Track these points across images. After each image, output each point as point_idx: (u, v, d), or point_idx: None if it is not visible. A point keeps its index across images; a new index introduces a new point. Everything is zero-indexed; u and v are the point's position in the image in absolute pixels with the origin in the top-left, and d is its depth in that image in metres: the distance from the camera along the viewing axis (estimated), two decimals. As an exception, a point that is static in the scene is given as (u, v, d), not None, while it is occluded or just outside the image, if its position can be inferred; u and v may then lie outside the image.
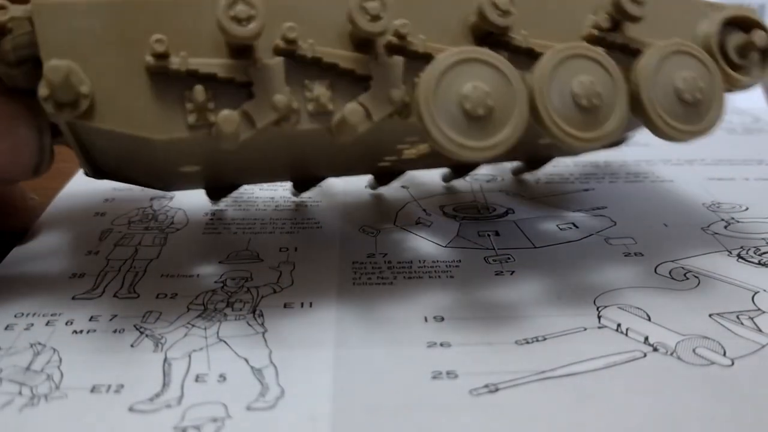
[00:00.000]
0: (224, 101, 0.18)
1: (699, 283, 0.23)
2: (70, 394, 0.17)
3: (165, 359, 0.19)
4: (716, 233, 0.26)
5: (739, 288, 0.22)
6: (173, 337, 0.20)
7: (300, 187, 0.27)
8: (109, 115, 0.17)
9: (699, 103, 0.20)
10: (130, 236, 0.26)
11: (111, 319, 0.21)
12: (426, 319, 0.21)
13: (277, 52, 0.18)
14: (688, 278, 0.23)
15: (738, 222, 0.27)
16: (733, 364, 0.19)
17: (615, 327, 0.20)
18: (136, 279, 0.23)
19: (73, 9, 0.17)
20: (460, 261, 0.24)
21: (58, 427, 0.16)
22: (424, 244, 0.25)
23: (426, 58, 0.19)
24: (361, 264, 0.24)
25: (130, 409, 0.17)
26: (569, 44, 0.19)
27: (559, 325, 0.20)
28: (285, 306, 0.21)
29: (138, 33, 0.17)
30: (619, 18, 0.20)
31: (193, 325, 0.20)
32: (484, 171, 0.33)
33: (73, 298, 0.22)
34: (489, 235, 0.26)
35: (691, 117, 0.20)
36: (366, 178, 0.32)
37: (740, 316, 0.21)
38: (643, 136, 0.38)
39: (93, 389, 0.18)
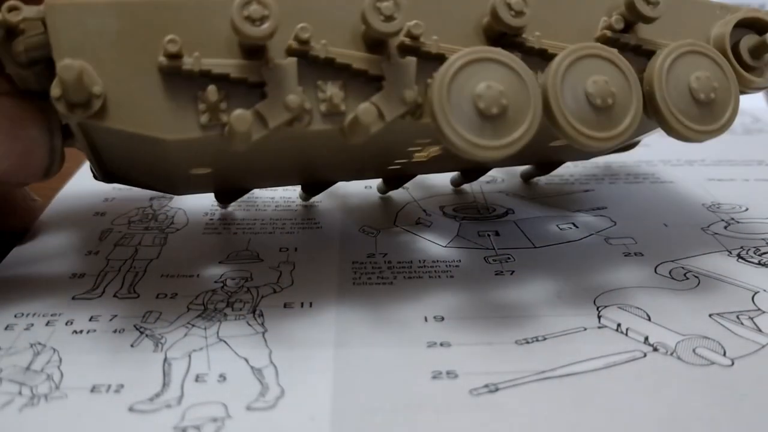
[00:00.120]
0: (237, 102, 0.17)
1: (699, 283, 0.23)
2: (70, 394, 0.17)
3: (165, 359, 0.19)
4: (716, 233, 0.26)
5: (739, 288, 0.22)
6: (173, 337, 0.20)
7: (309, 190, 0.27)
8: (121, 115, 0.17)
9: (713, 103, 0.20)
10: (130, 236, 0.26)
11: (111, 319, 0.21)
12: (426, 319, 0.21)
13: (290, 52, 0.18)
14: (688, 278, 0.23)
15: (738, 222, 0.27)
16: (733, 364, 0.19)
17: (615, 327, 0.20)
18: (136, 279, 0.23)
19: (86, 9, 0.17)
20: (460, 261, 0.24)
21: (58, 427, 0.16)
22: (424, 244, 0.25)
23: (439, 58, 0.19)
24: (361, 264, 0.24)
25: (130, 409, 0.17)
26: (583, 44, 0.19)
27: (559, 325, 0.20)
28: (285, 306, 0.21)
29: (151, 33, 0.17)
30: (633, 19, 0.20)
31: (193, 325, 0.20)
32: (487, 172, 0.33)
33: (73, 298, 0.22)
34: (489, 235, 0.26)
35: (705, 117, 0.20)
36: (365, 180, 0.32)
37: (740, 316, 0.21)
38: (643, 136, 0.38)
39: (93, 389, 0.18)
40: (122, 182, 0.23)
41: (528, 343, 0.19)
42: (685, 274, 0.23)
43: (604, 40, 0.20)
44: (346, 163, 0.23)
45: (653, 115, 0.20)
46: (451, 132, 0.18)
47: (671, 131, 0.20)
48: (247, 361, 0.19)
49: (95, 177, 0.23)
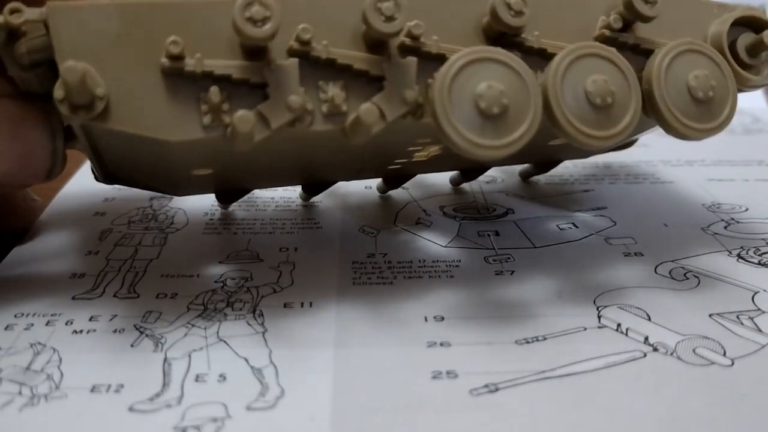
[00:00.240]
0: (239, 102, 0.17)
1: (699, 283, 0.23)
2: (70, 394, 0.17)
3: (165, 359, 0.19)
4: (716, 233, 0.26)
5: (739, 288, 0.22)
6: (173, 337, 0.20)
7: (309, 190, 0.27)
8: (123, 117, 0.17)
9: (711, 101, 0.20)
10: (130, 236, 0.26)
11: (111, 319, 0.21)
12: (426, 319, 0.21)
13: (291, 53, 0.18)
14: (688, 278, 0.23)
15: (738, 222, 0.27)
16: (733, 364, 0.19)
17: (615, 327, 0.20)
18: (136, 279, 0.23)
19: (88, 12, 0.17)
20: (460, 261, 0.24)
21: (58, 427, 0.16)
22: (424, 244, 0.25)
23: (439, 58, 0.19)
24: (361, 264, 0.24)
25: (130, 409, 0.17)
26: (583, 43, 0.19)
27: (559, 325, 0.20)
28: (285, 306, 0.21)
29: (152, 35, 0.17)
30: (631, 18, 0.20)
31: (193, 325, 0.20)
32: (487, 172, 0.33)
33: (73, 298, 0.22)
34: (489, 235, 0.26)
35: (703, 115, 0.20)
36: (366, 180, 0.32)
37: (740, 316, 0.21)
38: (643, 136, 0.38)
39: (93, 389, 0.18)
40: (123, 183, 0.23)
41: (528, 343, 0.19)
42: (685, 274, 0.23)
43: (603, 40, 0.20)
44: (347, 163, 0.23)
45: (652, 113, 0.20)
46: (452, 131, 0.18)
47: (670, 129, 0.20)
48: (247, 361, 0.19)
49: (96, 178, 0.23)
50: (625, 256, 0.24)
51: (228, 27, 0.17)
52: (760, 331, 0.20)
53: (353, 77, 0.18)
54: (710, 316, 0.21)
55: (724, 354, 0.19)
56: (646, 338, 0.20)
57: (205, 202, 0.29)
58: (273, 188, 0.30)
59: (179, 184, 0.23)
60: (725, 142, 0.38)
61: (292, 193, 0.30)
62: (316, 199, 0.29)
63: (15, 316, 0.21)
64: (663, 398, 0.17)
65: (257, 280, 0.23)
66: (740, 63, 0.22)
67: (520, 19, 0.19)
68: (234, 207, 0.29)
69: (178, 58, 0.17)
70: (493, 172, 0.33)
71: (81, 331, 0.20)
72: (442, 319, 0.21)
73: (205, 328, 0.20)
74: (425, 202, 0.29)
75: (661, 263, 0.24)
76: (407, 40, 0.19)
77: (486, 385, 0.18)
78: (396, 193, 0.30)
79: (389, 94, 0.18)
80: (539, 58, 0.20)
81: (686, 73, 0.20)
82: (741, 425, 0.16)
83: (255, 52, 0.18)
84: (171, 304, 0.21)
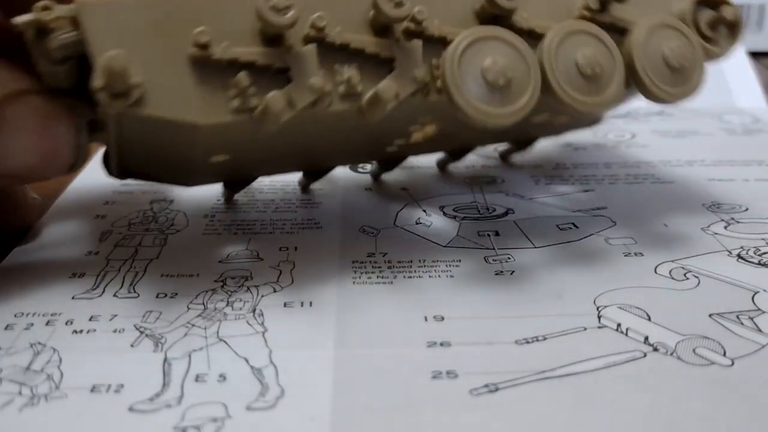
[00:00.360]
0: (262, 87, 0.19)
1: (699, 283, 0.23)
2: (70, 394, 0.17)
3: (165, 359, 0.19)
4: (716, 233, 0.26)
5: (739, 288, 0.22)
6: (173, 337, 0.20)
7: (311, 176, 0.28)
8: (157, 103, 0.18)
9: (684, 69, 0.23)
10: (131, 237, 0.26)
11: (111, 319, 0.21)
12: (426, 319, 0.21)
13: (308, 39, 0.19)
14: (688, 278, 0.23)
15: (738, 222, 0.27)
16: (733, 364, 0.19)
17: (615, 327, 0.20)
18: (136, 279, 0.23)
19: (118, 6, 0.18)
20: (460, 261, 0.24)
21: (58, 427, 0.16)
22: (424, 244, 0.25)
23: (441, 41, 0.21)
24: (361, 263, 0.24)
25: (130, 409, 0.17)
26: (571, 21, 0.22)
27: (559, 325, 0.20)
28: (285, 305, 0.21)
29: (179, 25, 0.19)
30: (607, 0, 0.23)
31: (193, 325, 0.20)
32: (483, 173, 0.33)
33: (73, 298, 0.22)
34: (489, 235, 0.26)
35: (678, 81, 0.23)
36: (365, 180, 0.32)
37: (740, 316, 0.21)
38: (643, 137, 0.38)
39: (93, 389, 0.18)
40: (136, 177, 0.24)
41: (528, 343, 0.19)
42: (685, 274, 0.23)
43: (582, 20, 0.23)
44: (350, 144, 0.25)
45: (633, 80, 0.22)
46: (464, 102, 0.20)
47: (649, 95, 0.22)
48: (247, 361, 0.19)
49: (108, 172, 0.24)
50: (625, 256, 0.24)
51: (249, 17, 0.19)
52: (760, 331, 0.20)
53: (365, 60, 0.20)
54: (710, 316, 0.21)
55: (724, 354, 0.19)
56: (646, 338, 0.20)
57: (206, 204, 0.29)
58: (273, 191, 0.30)
59: (193, 174, 0.24)
60: (725, 142, 0.38)
61: (292, 194, 0.30)
62: (316, 199, 0.29)
63: (15, 316, 0.21)
64: (663, 398, 0.17)
65: (257, 279, 0.23)
66: (703, 37, 0.24)
67: (513, 2, 0.21)
68: (234, 209, 0.29)
69: (205, 46, 0.18)
70: (493, 172, 0.33)
71: (81, 331, 0.20)
72: (442, 319, 0.21)
73: (205, 328, 0.20)
74: (425, 202, 0.29)
75: (661, 263, 0.24)
76: (411, 25, 0.20)
77: (486, 385, 0.18)
78: (396, 193, 0.30)
79: (400, 73, 0.20)
80: (528, 37, 0.22)
81: (662, 45, 0.22)
82: (741, 425, 0.16)
83: (274, 40, 0.19)
84: (171, 304, 0.21)
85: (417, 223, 0.27)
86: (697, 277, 0.23)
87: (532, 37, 0.22)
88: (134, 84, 0.18)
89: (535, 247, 0.25)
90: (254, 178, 0.27)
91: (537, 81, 0.20)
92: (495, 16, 0.21)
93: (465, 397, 0.17)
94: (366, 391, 0.18)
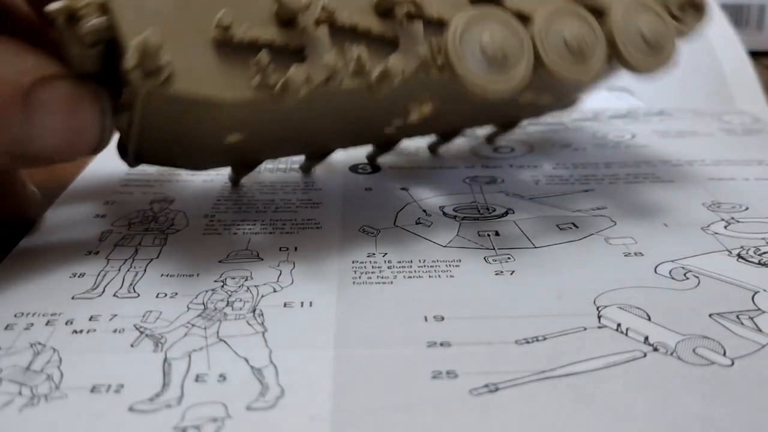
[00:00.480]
0: (280, 65, 0.20)
1: (699, 283, 0.23)
2: (70, 394, 0.17)
3: (165, 359, 0.19)
4: (716, 233, 0.26)
5: (739, 288, 0.22)
6: (173, 337, 0.20)
7: (313, 158, 0.30)
8: (185, 81, 0.19)
9: (659, 44, 0.25)
10: (130, 237, 0.26)
11: (111, 319, 0.21)
12: (426, 319, 0.21)
13: (319, 22, 0.21)
14: (688, 278, 0.23)
15: (738, 222, 0.27)
16: (733, 364, 0.19)
17: (615, 327, 0.20)
18: (136, 279, 0.23)
19: None
20: (460, 261, 0.24)
21: (58, 427, 0.16)
22: (424, 244, 0.25)
23: (438, 22, 0.22)
24: (361, 263, 0.24)
25: (130, 409, 0.17)
26: (558, 3, 0.24)
27: (559, 325, 0.20)
28: (285, 305, 0.21)
29: (203, 9, 0.20)
30: None
31: (193, 325, 0.20)
32: (483, 173, 0.33)
33: (73, 298, 0.22)
34: (489, 235, 0.26)
35: (654, 54, 0.25)
36: (365, 180, 0.32)
37: (740, 316, 0.21)
38: (643, 137, 0.38)
39: (93, 389, 0.18)
40: (151, 162, 0.26)
41: (528, 343, 0.19)
42: (685, 274, 0.23)
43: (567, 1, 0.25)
44: (353, 123, 0.27)
45: (615, 56, 0.24)
46: (467, 73, 0.22)
47: (629, 66, 0.25)
48: (247, 361, 0.19)
49: (122, 155, 0.25)
50: (625, 256, 0.24)
51: (265, 1, 0.20)
52: (760, 331, 0.20)
53: (372, 41, 0.22)
54: (710, 316, 0.21)
55: (724, 354, 0.19)
56: (646, 338, 0.20)
57: (205, 205, 0.29)
58: (273, 192, 0.31)
59: (206, 156, 0.26)
60: (725, 142, 0.38)
61: (292, 195, 0.30)
62: (316, 199, 0.29)
63: (15, 316, 0.21)
64: (663, 398, 0.17)
65: (257, 279, 0.23)
66: (672, 17, 0.27)
67: None
68: (234, 209, 0.29)
69: (227, 28, 0.20)
70: (493, 172, 0.33)
71: (81, 331, 0.20)
72: (442, 319, 0.21)
73: (205, 328, 0.20)
74: (425, 202, 0.29)
75: (661, 263, 0.24)
76: (412, 8, 0.22)
77: (486, 385, 0.18)
78: (396, 194, 0.30)
79: (405, 51, 0.22)
80: (518, 18, 0.23)
81: (639, 22, 0.25)
82: (741, 425, 0.16)
83: (288, 22, 0.21)
84: (171, 304, 0.21)
85: (417, 223, 0.27)
86: (697, 277, 0.23)
87: (521, 17, 0.24)
88: (164, 63, 0.19)
89: (535, 247, 0.25)
90: (260, 161, 0.29)
91: (530, 55, 0.23)
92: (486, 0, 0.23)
93: (465, 397, 0.17)
94: (366, 391, 0.18)
